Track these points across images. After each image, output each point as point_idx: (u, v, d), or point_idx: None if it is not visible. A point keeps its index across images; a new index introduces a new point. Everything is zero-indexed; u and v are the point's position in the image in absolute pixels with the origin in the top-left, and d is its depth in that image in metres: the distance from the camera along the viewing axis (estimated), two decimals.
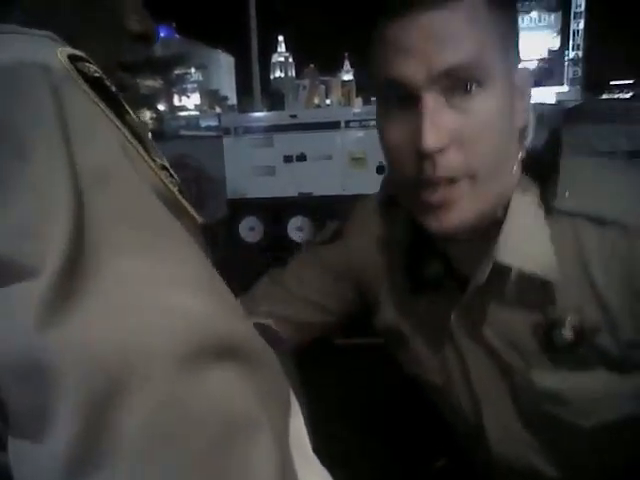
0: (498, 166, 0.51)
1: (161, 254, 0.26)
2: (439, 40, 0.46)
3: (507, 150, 0.52)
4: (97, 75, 0.31)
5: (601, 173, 0.56)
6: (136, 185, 0.28)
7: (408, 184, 0.52)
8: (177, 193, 0.33)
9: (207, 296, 0.27)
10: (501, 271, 0.54)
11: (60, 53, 0.29)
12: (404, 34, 0.47)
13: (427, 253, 0.63)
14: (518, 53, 0.53)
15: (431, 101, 0.47)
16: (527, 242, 0.53)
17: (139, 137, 0.31)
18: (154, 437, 0.23)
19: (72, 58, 0.29)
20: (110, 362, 0.23)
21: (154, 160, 0.32)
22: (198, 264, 0.29)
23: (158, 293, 0.25)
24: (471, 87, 0.48)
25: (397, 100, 0.50)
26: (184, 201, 0.33)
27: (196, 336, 0.25)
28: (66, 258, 0.23)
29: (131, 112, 0.33)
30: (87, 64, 0.31)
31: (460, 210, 0.50)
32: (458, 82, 0.47)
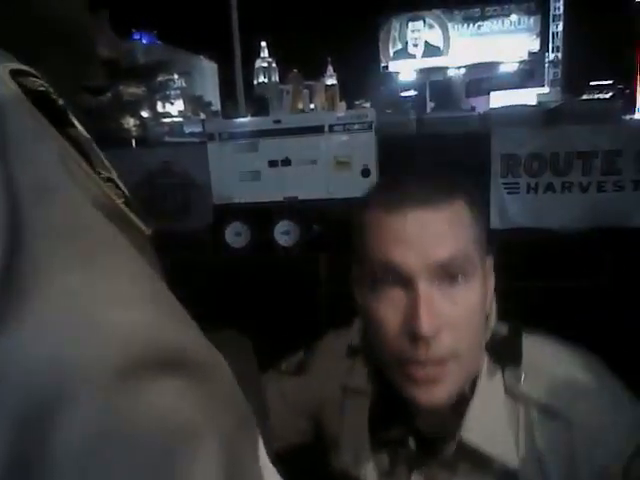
0: (477, 347, 0.58)
1: (100, 268, 0.26)
2: (434, 235, 0.52)
3: (482, 333, 0.58)
4: (42, 89, 0.31)
5: (558, 363, 0.61)
6: (76, 199, 0.28)
7: (395, 359, 0.55)
8: (122, 205, 0.33)
9: (148, 308, 0.27)
10: (464, 446, 0.59)
11: (2, 68, 0.29)
12: (402, 226, 0.53)
13: (393, 410, 0.64)
14: (487, 244, 0.61)
15: (426, 288, 0.52)
16: (490, 424, 0.58)
17: (83, 151, 0.31)
18: (89, 455, 0.23)
19: (15, 73, 0.30)
20: (43, 380, 0.22)
21: (99, 173, 0.32)
22: (140, 277, 0.28)
23: (96, 308, 0.25)
24: (459, 278, 0.53)
25: (389, 282, 0.54)
26: (130, 213, 0.34)
27: (134, 350, 0.25)
28: (1, 274, 0.23)
29: (78, 126, 0.33)
30: (32, 78, 0.31)
31: (446, 387, 0.55)
32: (448, 273, 0.53)
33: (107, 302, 0.25)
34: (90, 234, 0.27)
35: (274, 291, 5.26)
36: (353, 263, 0.62)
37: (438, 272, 0.53)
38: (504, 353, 0.60)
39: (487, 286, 0.59)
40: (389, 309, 0.54)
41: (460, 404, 0.59)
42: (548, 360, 0.61)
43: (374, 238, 0.55)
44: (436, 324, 0.51)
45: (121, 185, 0.35)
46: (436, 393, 0.54)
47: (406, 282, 0.53)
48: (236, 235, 8.23)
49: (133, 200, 0.35)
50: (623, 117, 10.33)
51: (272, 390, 0.76)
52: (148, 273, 0.30)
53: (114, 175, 0.35)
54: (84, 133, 0.34)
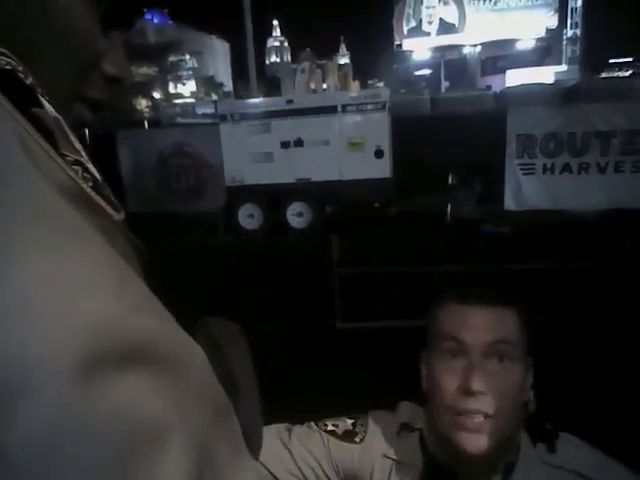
0: (513, 417, 0.72)
1: (61, 254, 0.25)
2: (489, 324, 0.73)
3: (517, 410, 0.73)
4: (8, 68, 0.30)
5: (591, 450, 0.78)
6: (35, 183, 0.26)
7: (451, 412, 0.72)
8: (89, 190, 0.31)
9: (112, 297, 0.25)
10: None
11: None
12: (470, 315, 0.74)
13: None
14: (530, 349, 0.77)
15: (479, 359, 0.71)
16: None
17: (47, 132, 0.30)
18: (44, 450, 0.21)
19: None
20: (1, 371, 0.21)
21: (64, 155, 0.31)
22: (103, 264, 0.27)
23: (54, 297, 0.23)
24: (504, 358, 0.72)
25: (455, 353, 0.73)
26: (98, 198, 0.32)
27: (95, 342, 0.23)
28: None
29: (46, 105, 0.32)
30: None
31: (486, 439, 0.70)
32: (496, 352, 0.72)
33: (68, 290, 0.24)
34: (50, 219, 0.26)
35: (287, 272, 5.28)
36: (427, 347, 0.79)
37: (489, 350, 0.72)
38: (543, 431, 0.78)
39: (527, 377, 0.76)
40: (451, 372, 0.72)
41: (507, 472, 0.75)
42: (584, 448, 0.78)
43: (449, 322, 0.75)
44: (484, 385, 0.69)
45: (91, 168, 0.33)
46: (479, 441, 0.70)
47: (467, 353, 0.72)
48: (249, 217, 8.22)
49: (103, 184, 0.34)
50: None
51: (316, 440, 0.83)
52: (113, 259, 0.28)
53: (83, 157, 0.33)
54: (53, 113, 0.32)
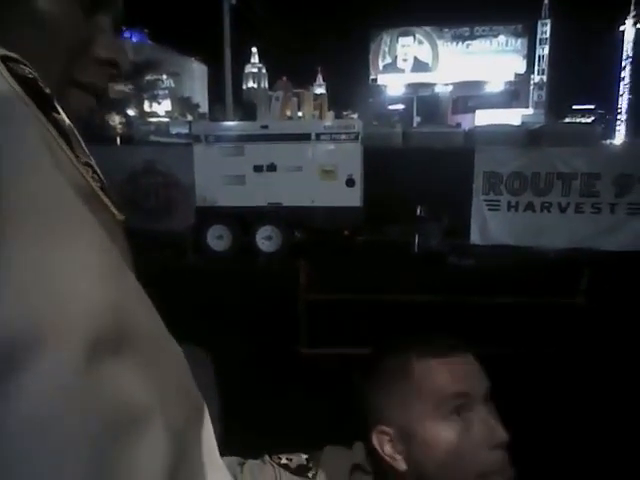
0: None
1: (69, 242, 0.27)
2: (479, 368, 0.70)
3: None
4: (31, 76, 0.33)
5: None
6: (54, 177, 0.29)
7: (479, 473, 0.65)
8: (98, 189, 0.34)
9: (113, 285, 0.28)
10: None
11: None
12: (464, 365, 0.70)
13: None
14: None
15: (484, 406, 0.67)
16: None
17: (65, 135, 0.33)
18: (36, 429, 0.23)
19: (5, 59, 0.31)
20: (6, 344, 0.23)
21: (77, 156, 0.33)
22: (104, 256, 0.29)
23: (59, 281, 0.26)
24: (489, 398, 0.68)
25: (458, 410, 0.67)
26: (105, 197, 0.35)
27: (96, 325, 0.26)
28: None
29: (61, 112, 0.34)
30: (21, 66, 0.33)
31: None
32: (488, 395, 0.68)
33: (75, 275, 0.26)
34: (62, 211, 0.28)
35: (253, 296, 5.23)
36: (393, 409, 0.72)
37: (487, 394, 0.68)
38: None
39: None
40: (463, 432, 0.67)
41: None
42: None
43: (449, 380, 0.69)
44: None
45: (98, 171, 0.36)
46: None
47: (471, 406, 0.67)
48: (217, 238, 8.15)
49: (108, 186, 0.37)
50: (603, 141, 10.57)
51: (268, 474, 0.81)
52: (115, 252, 0.31)
53: (92, 161, 0.36)
54: (67, 120, 0.35)
